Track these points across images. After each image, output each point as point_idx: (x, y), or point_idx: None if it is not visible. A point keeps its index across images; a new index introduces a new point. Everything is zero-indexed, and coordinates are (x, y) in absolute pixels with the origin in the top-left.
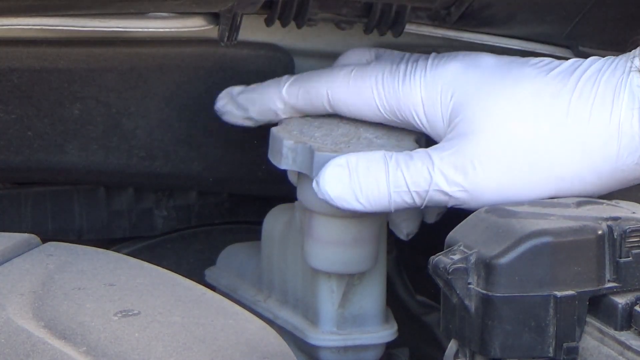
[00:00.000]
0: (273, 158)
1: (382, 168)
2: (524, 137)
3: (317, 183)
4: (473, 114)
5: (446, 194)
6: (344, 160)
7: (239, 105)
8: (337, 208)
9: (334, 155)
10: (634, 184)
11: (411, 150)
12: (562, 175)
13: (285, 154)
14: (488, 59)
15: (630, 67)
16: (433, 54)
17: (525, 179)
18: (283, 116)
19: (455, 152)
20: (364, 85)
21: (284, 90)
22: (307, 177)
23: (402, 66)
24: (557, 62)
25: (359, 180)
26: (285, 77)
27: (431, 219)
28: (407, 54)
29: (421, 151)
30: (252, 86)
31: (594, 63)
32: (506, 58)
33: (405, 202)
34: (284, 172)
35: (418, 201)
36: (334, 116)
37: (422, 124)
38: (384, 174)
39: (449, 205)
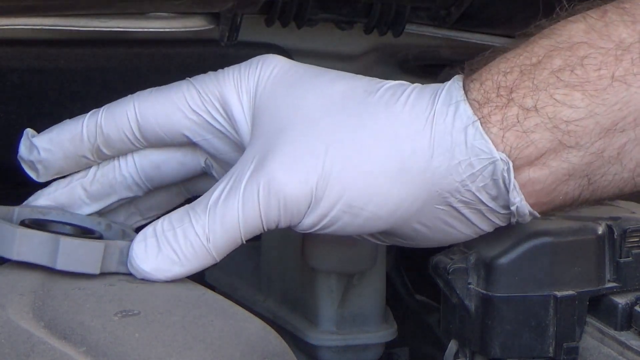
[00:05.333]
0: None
1: (187, 221)
2: (331, 131)
3: (130, 263)
4: (279, 110)
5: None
6: (151, 229)
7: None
8: (160, 279)
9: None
10: (444, 203)
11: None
12: (370, 170)
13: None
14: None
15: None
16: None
17: (335, 174)
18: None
19: (261, 157)
20: (174, 91)
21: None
22: None
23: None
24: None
25: (170, 245)
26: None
27: None
28: None
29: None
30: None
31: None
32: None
33: (230, 246)
34: None
35: (240, 238)
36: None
37: (225, 124)
38: (191, 228)
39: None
